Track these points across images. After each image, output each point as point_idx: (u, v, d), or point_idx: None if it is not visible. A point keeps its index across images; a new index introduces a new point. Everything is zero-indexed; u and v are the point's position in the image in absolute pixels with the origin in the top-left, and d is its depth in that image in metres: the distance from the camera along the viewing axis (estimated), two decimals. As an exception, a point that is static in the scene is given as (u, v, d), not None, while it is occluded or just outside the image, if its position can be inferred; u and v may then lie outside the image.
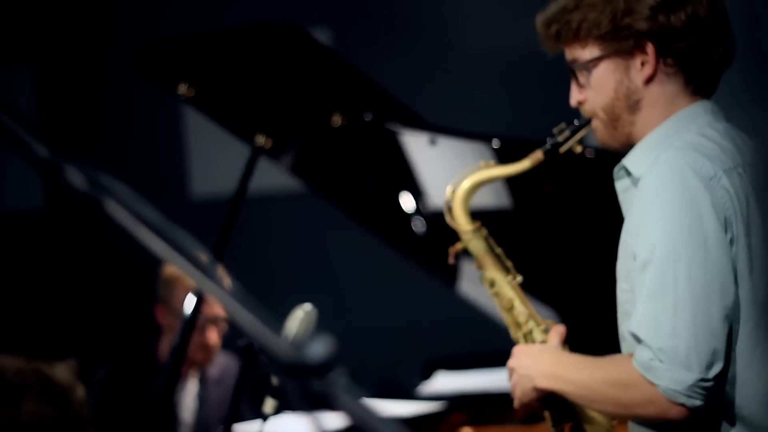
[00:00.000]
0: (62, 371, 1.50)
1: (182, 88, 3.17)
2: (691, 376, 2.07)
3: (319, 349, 1.15)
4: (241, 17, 3.30)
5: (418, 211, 3.60)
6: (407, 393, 4.14)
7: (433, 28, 5.36)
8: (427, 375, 4.27)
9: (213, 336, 3.83)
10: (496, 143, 3.18)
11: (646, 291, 2.12)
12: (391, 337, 5.47)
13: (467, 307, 3.67)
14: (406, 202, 3.62)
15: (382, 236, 3.80)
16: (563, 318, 3.55)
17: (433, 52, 5.39)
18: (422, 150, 3.38)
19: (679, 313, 2.08)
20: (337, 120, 3.21)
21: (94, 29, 5.65)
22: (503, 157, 2.43)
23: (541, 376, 2.22)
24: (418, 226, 3.60)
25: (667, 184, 2.13)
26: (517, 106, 5.12)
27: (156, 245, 1.20)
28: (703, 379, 2.08)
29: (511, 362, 2.29)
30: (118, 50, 5.38)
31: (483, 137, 3.23)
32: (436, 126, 3.32)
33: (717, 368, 2.09)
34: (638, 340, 2.11)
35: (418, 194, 3.58)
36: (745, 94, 2.25)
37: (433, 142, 3.30)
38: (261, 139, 3.26)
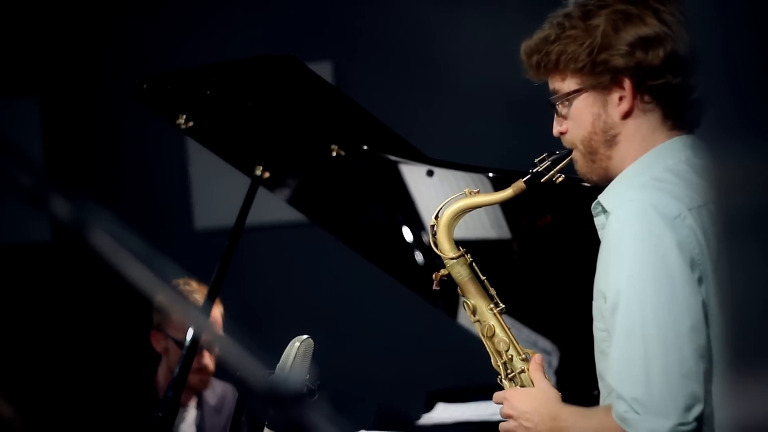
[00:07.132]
0: None
1: (181, 120, 3.22)
2: (668, 423, 2.03)
3: (296, 378, 1.16)
4: (243, 52, 3.34)
5: (416, 242, 3.61)
6: (409, 424, 4.14)
7: (433, 61, 5.40)
8: (430, 406, 4.27)
9: (207, 359, 3.82)
10: (492, 174, 3.21)
11: (616, 338, 2.09)
12: (393, 368, 5.47)
13: (470, 337, 3.67)
14: (405, 232, 3.64)
15: (382, 266, 3.81)
16: (553, 344, 3.57)
17: (432, 84, 5.43)
18: (420, 181, 3.40)
19: (649, 359, 2.05)
20: (334, 151, 3.25)
21: (100, 60, 5.71)
22: (500, 188, 2.44)
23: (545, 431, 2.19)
24: (418, 256, 3.62)
25: (629, 226, 2.10)
26: (517, 137, 5.16)
27: (139, 275, 1.22)
28: (681, 423, 2.03)
29: (506, 409, 2.26)
30: (124, 82, 5.43)
31: (480, 169, 3.26)
32: (432, 158, 3.35)
33: (697, 410, 2.04)
34: (614, 390, 2.08)
35: (416, 225, 3.60)
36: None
37: (430, 174, 3.33)
38: (259, 171, 3.30)
